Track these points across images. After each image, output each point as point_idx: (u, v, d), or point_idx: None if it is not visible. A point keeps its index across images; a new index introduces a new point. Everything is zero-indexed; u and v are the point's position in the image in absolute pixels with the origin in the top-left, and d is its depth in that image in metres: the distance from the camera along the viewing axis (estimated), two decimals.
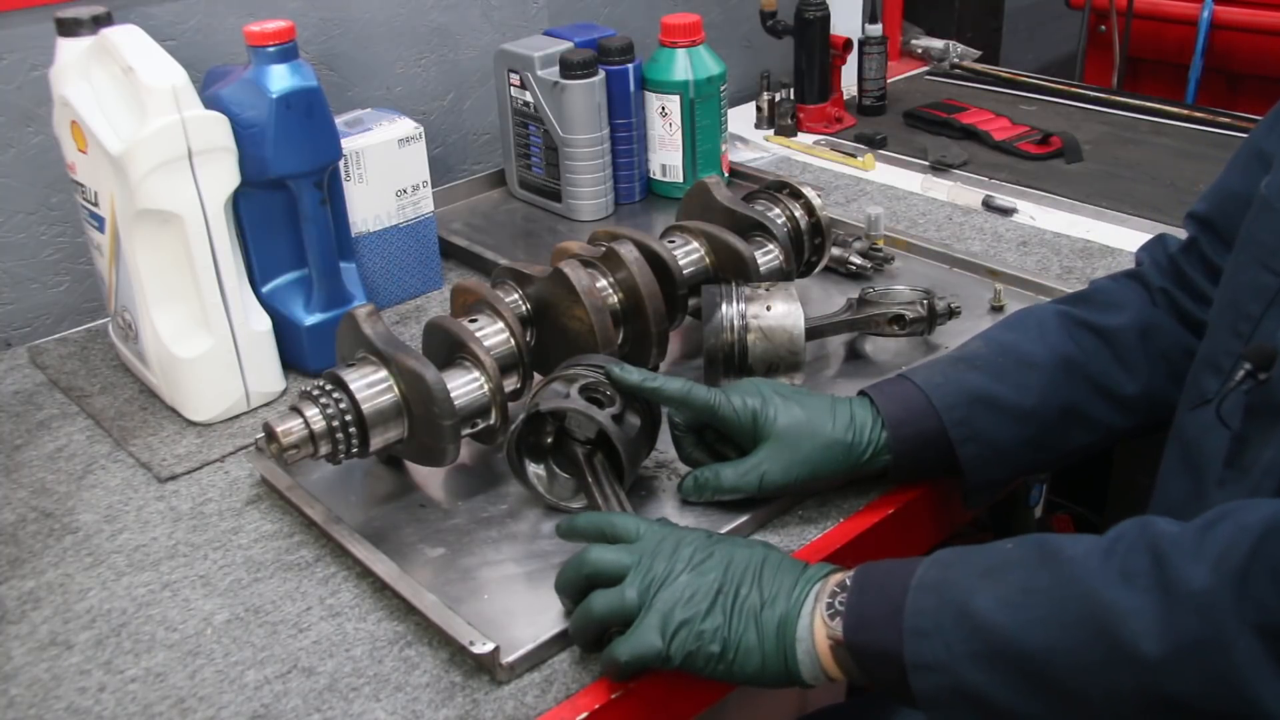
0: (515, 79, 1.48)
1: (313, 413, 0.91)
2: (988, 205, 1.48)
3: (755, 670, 0.76)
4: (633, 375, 0.94)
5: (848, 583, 0.77)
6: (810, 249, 1.24)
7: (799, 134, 1.75)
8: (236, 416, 1.12)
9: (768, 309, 1.06)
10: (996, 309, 1.23)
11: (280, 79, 1.06)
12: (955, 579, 0.72)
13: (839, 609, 0.75)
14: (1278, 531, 0.61)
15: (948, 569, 0.73)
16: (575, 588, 0.81)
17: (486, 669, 0.80)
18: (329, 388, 0.93)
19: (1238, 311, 0.83)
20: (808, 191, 1.23)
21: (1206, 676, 0.62)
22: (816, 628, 0.76)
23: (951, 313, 1.15)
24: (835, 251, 1.30)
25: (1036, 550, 0.71)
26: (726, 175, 1.57)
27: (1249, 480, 0.78)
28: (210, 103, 1.06)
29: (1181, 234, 1.02)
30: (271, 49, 1.06)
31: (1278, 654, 0.60)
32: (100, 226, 1.09)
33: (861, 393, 0.96)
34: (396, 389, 0.94)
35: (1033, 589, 0.68)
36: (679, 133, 1.50)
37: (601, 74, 1.44)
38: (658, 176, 1.55)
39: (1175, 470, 0.88)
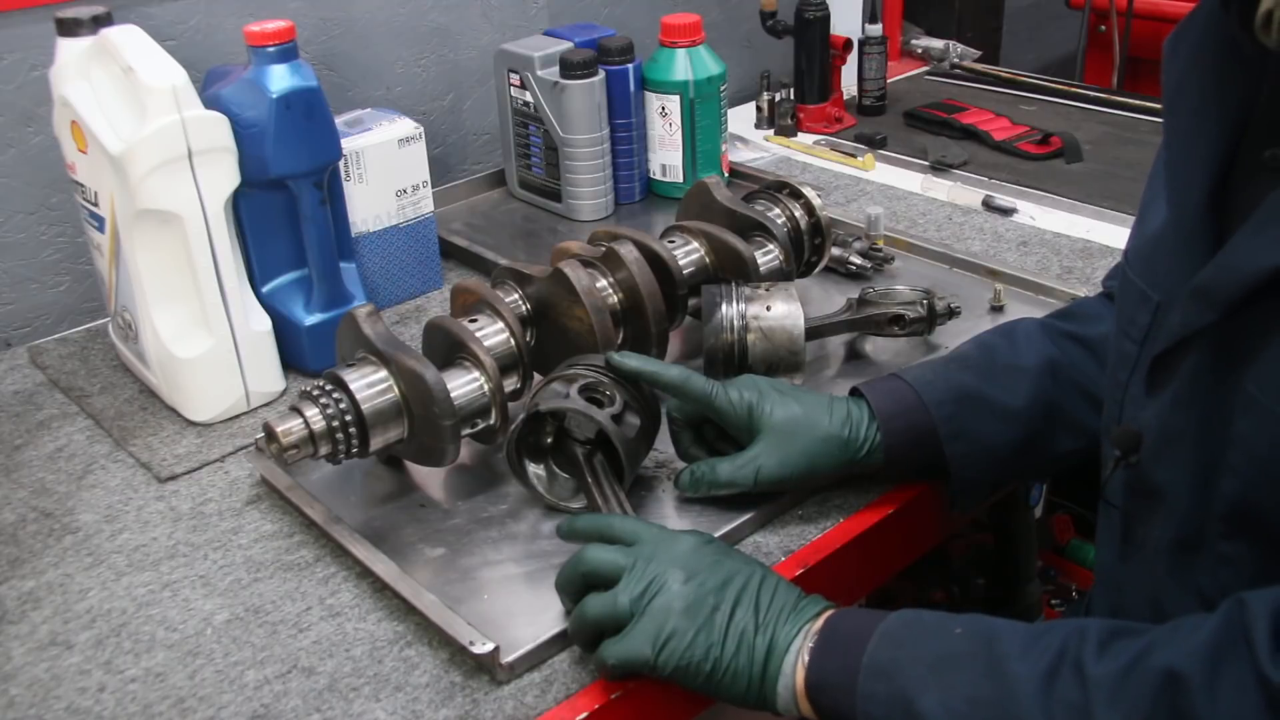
0: (515, 79, 1.48)
1: (313, 413, 0.91)
2: (988, 205, 1.48)
3: (739, 692, 0.77)
4: (631, 361, 0.95)
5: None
6: (810, 249, 1.24)
7: (799, 134, 1.75)
8: (236, 416, 1.12)
9: (768, 309, 1.06)
10: (996, 309, 1.23)
11: (280, 79, 1.06)
12: (904, 667, 0.72)
13: (810, 656, 0.76)
14: (1174, 680, 0.62)
15: (898, 650, 0.73)
16: (574, 586, 0.81)
17: (486, 669, 0.80)
18: (329, 388, 0.93)
19: (1113, 379, 0.83)
20: (808, 191, 1.23)
21: None
22: (798, 668, 0.76)
23: (951, 313, 1.15)
24: (835, 251, 1.30)
25: (985, 651, 0.71)
26: (726, 175, 1.57)
27: (1144, 557, 0.78)
28: (210, 103, 1.06)
29: None
30: (271, 49, 1.06)
31: None
32: (100, 226, 1.09)
33: (854, 390, 0.97)
34: (396, 389, 0.94)
35: (976, 700, 0.69)
36: (679, 133, 1.50)
37: (601, 74, 1.44)
38: (658, 176, 1.55)
39: (1103, 533, 0.88)
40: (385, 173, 1.27)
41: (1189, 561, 0.73)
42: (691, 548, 0.81)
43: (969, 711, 0.69)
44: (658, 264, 1.10)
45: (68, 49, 1.05)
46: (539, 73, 1.44)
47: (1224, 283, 0.67)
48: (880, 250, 1.33)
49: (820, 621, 0.78)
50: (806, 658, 0.76)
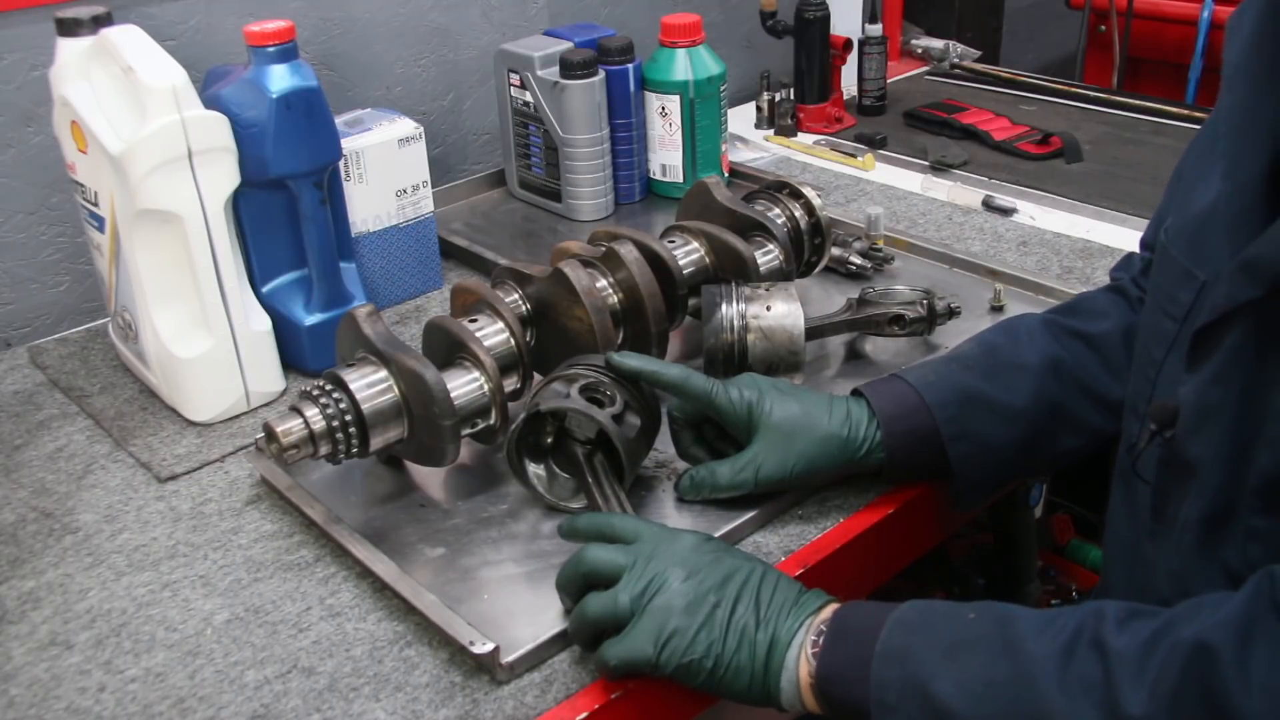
0: (515, 79, 1.48)
1: (313, 413, 0.91)
2: (988, 205, 1.48)
3: (742, 689, 0.77)
4: (631, 361, 0.95)
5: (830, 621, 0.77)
6: (810, 249, 1.24)
7: (799, 134, 1.75)
8: (236, 416, 1.12)
9: (768, 309, 1.06)
10: (996, 309, 1.23)
11: (280, 79, 1.06)
12: (918, 652, 0.72)
13: (820, 647, 0.76)
14: (1205, 651, 0.62)
15: (911, 636, 0.74)
16: (574, 585, 0.81)
17: (486, 669, 0.80)
18: (329, 388, 0.93)
19: (1146, 356, 0.83)
20: (808, 191, 1.23)
21: None
22: (801, 662, 0.76)
23: (951, 313, 1.15)
24: (835, 251, 1.30)
25: (999, 633, 0.71)
26: (726, 175, 1.57)
27: (1173, 533, 0.78)
28: (210, 103, 1.06)
29: None
30: (271, 49, 1.06)
31: None
32: (100, 226, 1.09)
33: (855, 391, 0.97)
34: (396, 389, 0.94)
35: (992, 681, 0.69)
36: (679, 133, 1.50)
37: (601, 74, 1.44)
38: (658, 176, 1.55)
39: (1120, 512, 0.88)
40: (385, 173, 1.27)
41: (1218, 538, 0.73)
42: (692, 546, 0.81)
43: (985, 693, 0.69)
44: (658, 264, 1.10)
45: (68, 49, 1.05)
46: (539, 73, 1.44)
47: (1273, 257, 0.67)
48: (880, 250, 1.33)
49: (825, 614, 0.78)
50: (812, 650, 0.76)
